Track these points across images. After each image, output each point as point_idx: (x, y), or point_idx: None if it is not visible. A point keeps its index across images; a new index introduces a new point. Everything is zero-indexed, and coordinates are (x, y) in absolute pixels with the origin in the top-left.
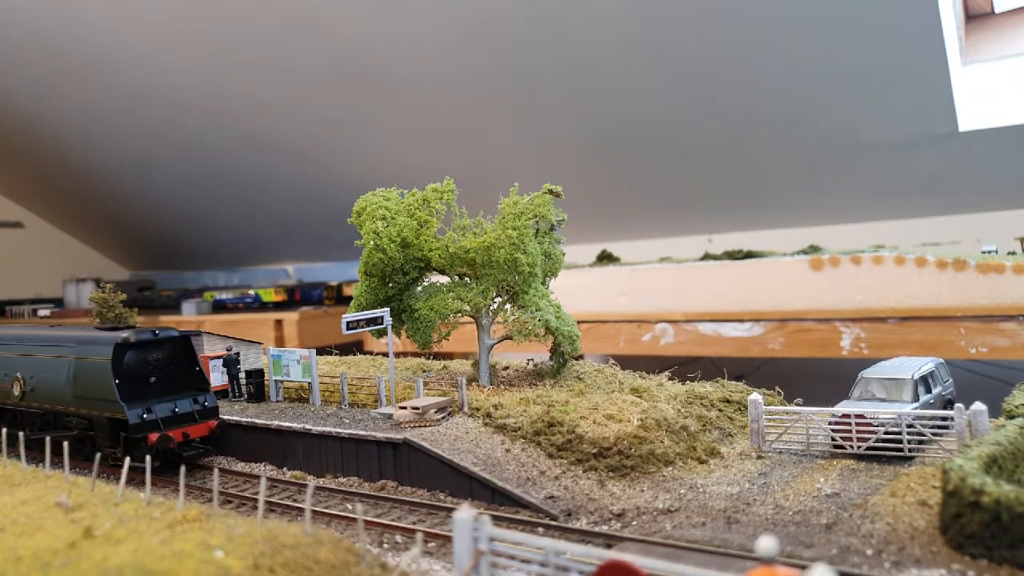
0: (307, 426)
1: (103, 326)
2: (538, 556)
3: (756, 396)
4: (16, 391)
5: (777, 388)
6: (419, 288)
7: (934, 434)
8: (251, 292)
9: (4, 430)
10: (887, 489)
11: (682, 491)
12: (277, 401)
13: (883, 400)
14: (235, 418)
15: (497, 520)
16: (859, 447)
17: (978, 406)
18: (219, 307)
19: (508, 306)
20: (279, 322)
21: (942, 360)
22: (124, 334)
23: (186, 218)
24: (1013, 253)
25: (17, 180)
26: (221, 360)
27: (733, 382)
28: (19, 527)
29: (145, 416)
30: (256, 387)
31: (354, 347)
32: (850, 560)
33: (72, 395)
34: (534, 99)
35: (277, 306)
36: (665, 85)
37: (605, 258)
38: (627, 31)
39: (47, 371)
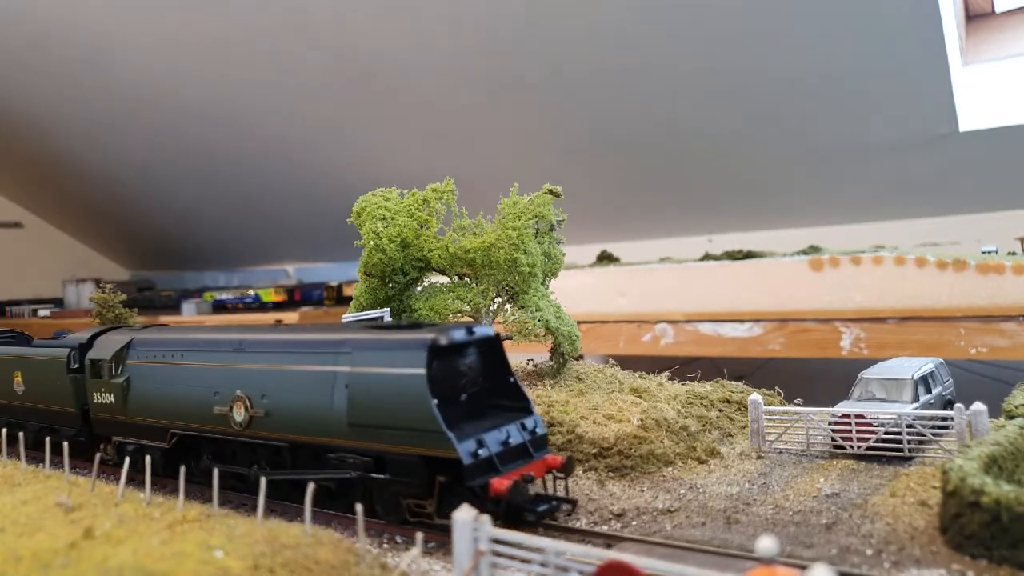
0: None
1: (375, 324)
2: (538, 556)
3: (756, 396)
4: (239, 416)
5: (777, 388)
6: (419, 288)
7: (934, 434)
8: (251, 292)
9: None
10: (887, 489)
11: (682, 491)
12: None
13: (883, 400)
14: None
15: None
16: (859, 447)
17: (978, 406)
18: (219, 307)
19: (508, 306)
20: (279, 322)
21: (942, 360)
22: (429, 334)
23: (186, 218)
24: (1013, 253)
25: (17, 180)
26: None
27: (733, 382)
28: (19, 527)
29: (480, 452)
30: None
31: None
32: (850, 560)
33: (346, 423)
34: (534, 99)
35: (277, 306)
36: (665, 85)
37: (605, 258)
38: (627, 31)
39: (295, 388)
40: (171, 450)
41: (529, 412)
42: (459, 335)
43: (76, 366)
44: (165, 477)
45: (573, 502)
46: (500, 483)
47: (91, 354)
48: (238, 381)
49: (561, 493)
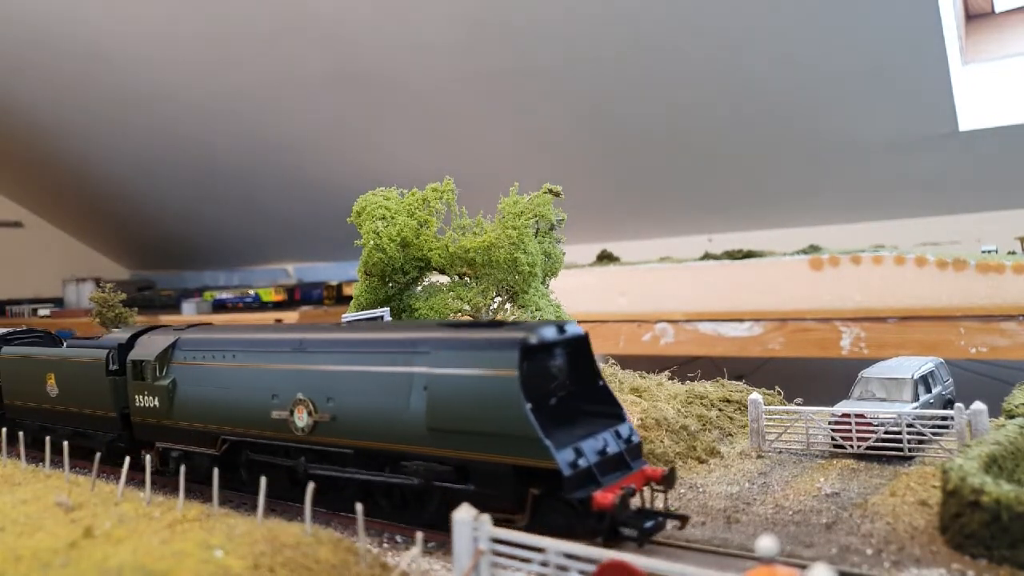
0: None
1: (454, 322)
2: (538, 556)
3: (756, 396)
4: (301, 421)
5: (777, 388)
6: (419, 288)
7: (934, 434)
8: (251, 292)
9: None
10: (887, 489)
11: (682, 491)
12: None
13: (883, 400)
14: None
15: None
16: (859, 447)
17: (978, 406)
18: (219, 307)
19: (508, 306)
20: (279, 321)
21: (942, 360)
22: (519, 332)
23: (186, 218)
24: (1013, 253)
25: (17, 180)
26: None
27: (733, 381)
28: (19, 527)
29: (579, 463)
30: None
31: None
32: (850, 559)
33: (425, 428)
34: (535, 99)
35: (277, 306)
36: (665, 85)
37: (605, 258)
38: (627, 31)
39: (366, 391)
40: (221, 457)
41: (622, 419)
42: (550, 334)
43: (115, 367)
44: (207, 484)
45: (683, 518)
46: (605, 497)
47: (132, 355)
48: (300, 383)
49: (657, 506)
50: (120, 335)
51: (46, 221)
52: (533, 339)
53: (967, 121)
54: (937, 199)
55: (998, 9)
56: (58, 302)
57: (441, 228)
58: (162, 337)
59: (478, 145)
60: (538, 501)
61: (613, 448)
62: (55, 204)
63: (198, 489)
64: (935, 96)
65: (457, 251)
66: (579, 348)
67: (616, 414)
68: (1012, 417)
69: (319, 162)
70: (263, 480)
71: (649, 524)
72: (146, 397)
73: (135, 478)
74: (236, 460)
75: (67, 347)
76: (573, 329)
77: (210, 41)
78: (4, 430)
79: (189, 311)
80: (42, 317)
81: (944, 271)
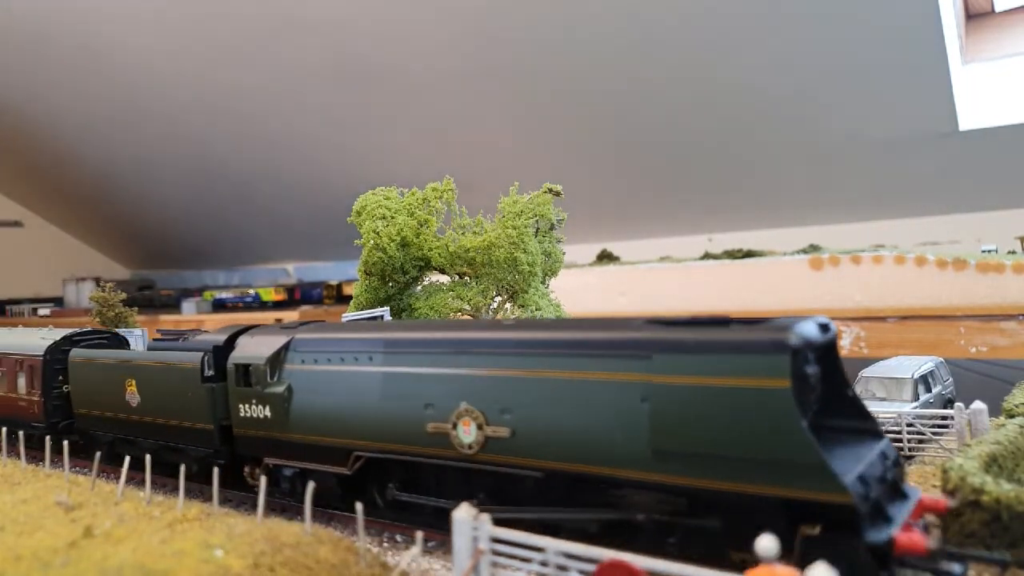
0: None
1: (679, 320)
2: (538, 556)
3: None
4: (468, 436)
5: None
6: (419, 287)
7: (934, 433)
8: (251, 291)
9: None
10: None
11: None
12: None
13: (883, 399)
14: None
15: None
16: None
17: (978, 405)
18: (219, 306)
19: (508, 305)
20: (279, 321)
21: (942, 359)
22: (778, 333)
23: (186, 218)
24: (1013, 252)
25: (17, 179)
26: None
27: None
28: (19, 526)
29: (869, 494)
30: None
31: None
32: None
33: (648, 449)
34: (535, 99)
35: (277, 305)
36: (665, 85)
37: (605, 257)
38: (627, 31)
39: (558, 402)
40: (352, 476)
41: (880, 435)
42: (813, 332)
43: (211, 373)
44: (331, 509)
45: (1003, 563)
46: (912, 538)
47: (235, 357)
48: (464, 391)
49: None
50: (214, 336)
51: (46, 220)
52: (798, 340)
53: (967, 121)
54: (937, 198)
55: (998, 8)
56: (58, 301)
57: (441, 227)
58: (271, 337)
59: (478, 145)
60: (811, 543)
61: (886, 474)
62: (55, 203)
63: (198, 489)
64: (935, 96)
65: (457, 250)
66: (830, 350)
67: (873, 430)
68: (1012, 416)
69: (319, 162)
70: (263, 479)
71: (958, 569)
72: (253, 406)
73: (135, 477)
74: (367, 480)
75: (150, 350)
76: (832, 327)
77: (210, 41)
78: (65, 443)
79: (189, 310)
80: (42, 317)
81: (944, 271)
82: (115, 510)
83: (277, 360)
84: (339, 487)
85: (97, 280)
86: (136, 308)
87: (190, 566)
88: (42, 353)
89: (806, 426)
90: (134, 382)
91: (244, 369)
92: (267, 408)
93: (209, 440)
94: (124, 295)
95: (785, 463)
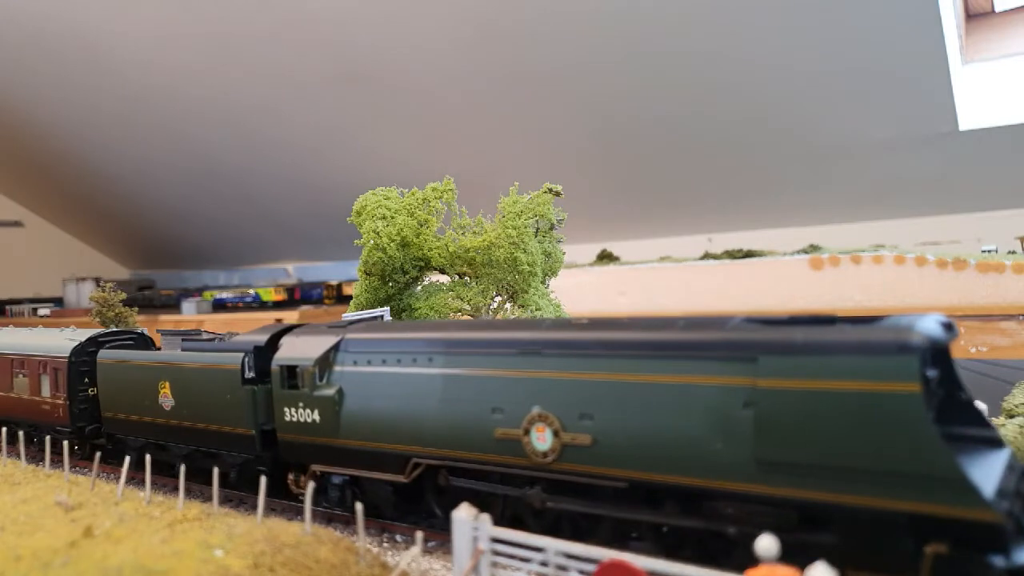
0: None
1: (782, 318)
2: (538, 556)
3: None
4: (543, 443)
5: None
6: (419, 287)
7: None
8: (251, 291)
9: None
10: None
11: None
12: None
13: None
14: None
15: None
16: None
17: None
18: (219, 306)
19: (508, 305)
20: (279, 321)
21: None
22: (899, 331)
23: (186, 218)
24: (1013, 252)
25: (17, 179)
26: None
27: None
28: (19, 526)
29: (1012, 510)
30: None
31: None
32: None
33: (752, 459)
34: (535, 99)
35: (277, 305)
36: (666, 86)
37: (605, 257)
38: (628, 32)
39: (646, 407)
40: (410, 485)
41: (1001, 444)
42: (937, 331)
43: (252, 374)
44: (381, 519)
45: None
46: None
47: (280, 358)
48: (536, 395)
49: None
50: (253, 336)
51: (46, 220)
52: (925, 340)
53: (967, 120)
54: (937, 198)
55: (998, 8)
56: (58, 301)
57: (441, 227)
58: (319, 337)
59: (478, 145)
60: (942, 563)
61: (1020, 487)
62: (55, 204)
63: (198, 489)
64: (935, 96)
65: (457, 250)
66: (946, 352)
67: (993, 439)
68: (1012, 416)
69: (319, 162)
70: (263, 479)
71: None
72: (300, 410)
73: (135, 477)
74: (424, 488)
75: (184, 350)
76: (954, 326)
77: (211, 42)
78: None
79: (189, 310)
80: (42, 316)
81: (944, 270)
82: (115, 510)
83: (327, 361)
84: (394, 496)
85: (97, 280)
86: (136, 308)
87: (190, 566)
88: (67, 354)
89: (940, 435)
90: (168, 384)
91: (290, 371)
92: (315, 412)
93: (250, 445)
94: (124, 295)
95: (916, 476)
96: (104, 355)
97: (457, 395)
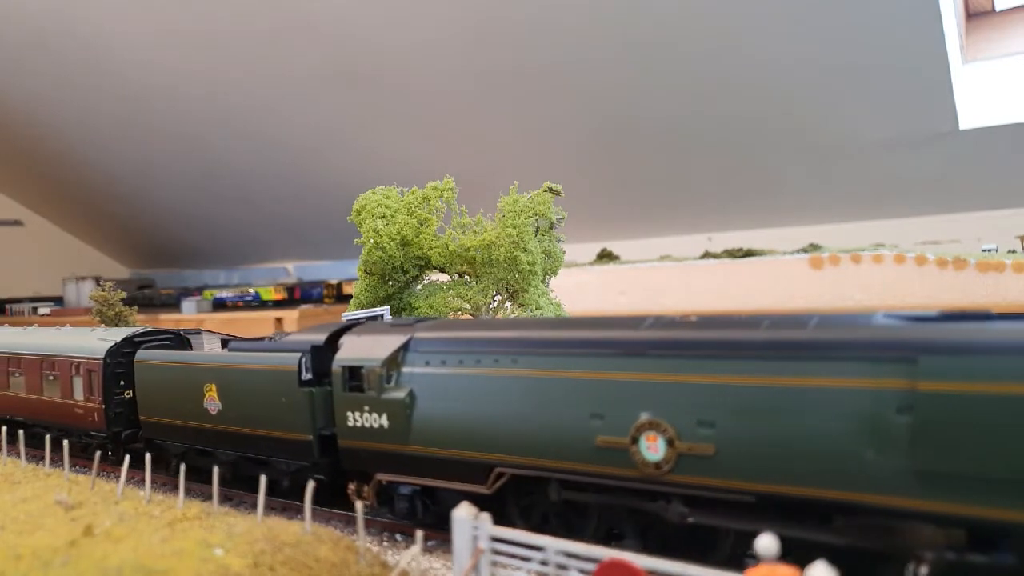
0: None
1: (938, 315)
2: (538, 555)
3: None
4: (654, 453)
5: None
6: (419, 286)
7: None
8: (251, 290)
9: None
10: None
11: None
12: None
13: None
14: None
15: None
16: None
17: None
18: (219, 305)
19: (508, 304)
20: (279, 320)
21: None
22: None
23: (186, 217)
24: (1013, 251)
25: (17, 178)
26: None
27: None
28: (19, 525)
29: None
30: None
31: None
32: None
33: (909, 471)
34: (534, 98)
35: (277, 304)
36: (665, 85)
37: (605, 256)
38: (628, 31)
39: (778, 414)
40: (493, 496)
41: None
42: None
43: (309, 376)
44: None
45: None
46: None
47: (342, 359)
48: (644, 400)
49: None
50: (310, 335)
51: (46, 220)
52: None
53: (967, 120)
54: (937, 197)
55: (998, 7)
56: (58, 301)
57: (441, 226)
58: (384, 336)
59: (478, 144)
60: None
61: None
62: (55, 203)
63: (198, 488)
64: (935, 95)
65: (457, 249)
66: None
67: None
68: None
69: (319, 161)
70: (263, 478)
71: None
72: (366, 415)
73: (134, 476)
74: (506, 498)
75: (231, 350)
76: None
77: (211, 42)
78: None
79: (189, 310)
80: (42, 316)
81: (944, 270)
82: (115, 509)
83: (395, 362)
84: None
85: (97, 279)
86: (136, 307)
87: (190, 565)
88: (102, 356)
89: None
90: (215, 387)
91: (354, 372)
92: (383, 416)
93: (306, 452)
94: (124, 294)
95: None
96: (143, 356)
97: (548, 399)
